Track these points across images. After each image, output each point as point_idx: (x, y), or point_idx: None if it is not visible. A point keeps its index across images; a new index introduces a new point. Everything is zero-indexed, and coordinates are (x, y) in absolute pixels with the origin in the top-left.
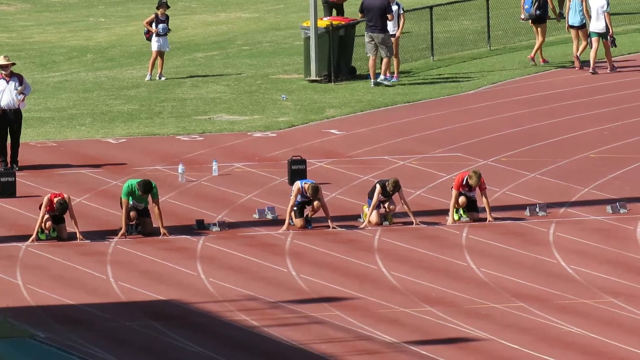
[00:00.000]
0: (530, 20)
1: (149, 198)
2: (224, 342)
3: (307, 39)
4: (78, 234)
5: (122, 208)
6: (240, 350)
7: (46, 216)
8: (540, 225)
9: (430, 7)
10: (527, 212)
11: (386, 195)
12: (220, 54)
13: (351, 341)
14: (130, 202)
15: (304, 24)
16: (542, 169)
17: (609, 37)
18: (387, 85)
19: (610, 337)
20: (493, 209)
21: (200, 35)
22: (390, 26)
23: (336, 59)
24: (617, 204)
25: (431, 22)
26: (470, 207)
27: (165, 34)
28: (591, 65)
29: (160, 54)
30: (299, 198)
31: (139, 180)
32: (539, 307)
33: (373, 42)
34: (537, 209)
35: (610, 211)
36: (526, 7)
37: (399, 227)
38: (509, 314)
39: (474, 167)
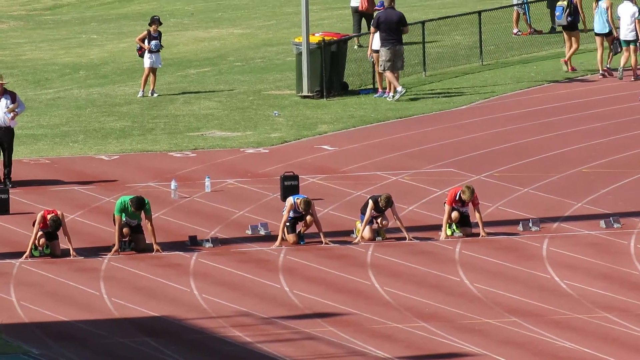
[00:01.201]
0: (561, 28)
1: (142, 215)
2: (218, 358)
3: (299, 54)
4: (71, 251)
5: (115, 225)
6: None
7: (39, 233)
8: (533, 240)
9: (423, 22)
10: (520, 227)
11: (379, 210)
12: (212, 70)
13: (344, 357)
14: (123, 219)
15: (296, 40)
16: (535, 184)
17: (638, 44)
18: (399, 98)
19: (604, 352)
20: (486, 224)
21: (192, 52)
22: (377, 42)
23: (328, 74)
24: (611, 218)
25: (423, 38)
26: (463, 223)
27: (158, 51)
28: (620, 72)
29: (153, 70)
30: (291, 214)
31: (131, 197)
32: (533, 322)
33: (391, 56)
34: (530, 224)
35: (604, 226)
36: (557, 14)
37: (391, 242)
38: (503, 329)
39: (466, 182)
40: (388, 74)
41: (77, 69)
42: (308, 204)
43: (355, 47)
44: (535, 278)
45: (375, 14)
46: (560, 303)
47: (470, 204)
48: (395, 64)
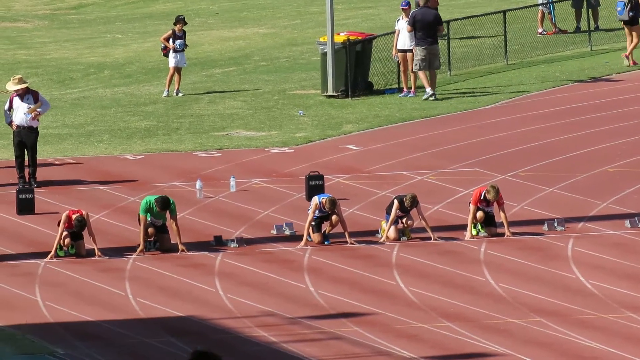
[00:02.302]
0: (622, 23)
1: (167, 214)
2: (243, 358)
3: (324, 54)
4: (96, 251)
5: (140, 225)
6: None
7: (64, 233)
8: (558, 240)
9: (448, 22)
10: (545, 227)
11: (404, 210)
12: (237, 69)
13: (369, 357)
14: (148, 219)
15: (321, 39)
16: (560, 184)
17: None
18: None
19: (629, 352)
20: (511, 223)
21: (217, 51)
22: (408, 40)
23: (353, 74)
24: (636, 218)
25: (448, 37)
26: (488, 222)
27: (183, 50)
28: None
29: (178, 69)
30: (317, 213)
31: (156, 196)
32: (558, 322)
33: (427, 55)
34: (556, 224)
35: (629, 225)
36: (618, 9)
37: (417, 242)
38: (528, 329)
39: (491, 182)
40: (421, 74)
41: (102, 68)
42: (333, 203)
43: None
44: (560, 278)
45: (410, 13)
46: (585, 303)
47: (495, 204)
48: (432, 63)
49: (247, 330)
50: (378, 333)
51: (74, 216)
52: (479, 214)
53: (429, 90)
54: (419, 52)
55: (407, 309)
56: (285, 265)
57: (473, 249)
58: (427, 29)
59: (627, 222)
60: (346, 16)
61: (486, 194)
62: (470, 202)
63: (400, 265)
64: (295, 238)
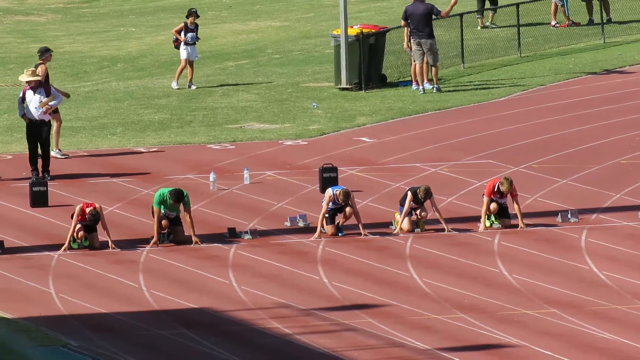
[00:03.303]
0: None
1: (181, 207)
2: (257, 350)
3: (338, 47)
4: (110, 243)
5: (153, 217)
6: (274, 357)
7: (78, 226)
8: (572, 232)
9: (461, 15)
10: (558, 219)
11: (417, 202)
12: (250, 62)
13: (383, 348)
14: (162, 211)
15: (334, 32)
16: (574, 175)
17: None
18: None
19: None
20: (525, 215)
21: (230, 44)
22: None
23: (367, 66)
24: None
25: (461, 30)
26: (502, 214)
27: (194, 43)
28: None
29: (190, 62)
30: (331, 205)
31: (170, 189)
32: (572, 313)
33: (421, 49)
34: (569, 215)
35: None
36: None
37: (430, 234)
38: (541, 320)
39: (505, 173)
40: (417, 68)
41: (115, 61)
42: (347, 195)
43: (479, 27)
44: (574, 269)
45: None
46: (598, 294)
47: (508, 196)
48: (428, 57)
49: (261, 322)
50: (392, 324)
51: (87, 209)
52: (493, 205)
53: (422, 86)
54: (412, 47)
55: (421, 301)
56: (299, 257)
57: (487, 240)
58: (419, 22)
59: None
60: (359, 9)
61: (500, 186)
62: (483, 194)
63: (414, 256)
64: (309, 230)
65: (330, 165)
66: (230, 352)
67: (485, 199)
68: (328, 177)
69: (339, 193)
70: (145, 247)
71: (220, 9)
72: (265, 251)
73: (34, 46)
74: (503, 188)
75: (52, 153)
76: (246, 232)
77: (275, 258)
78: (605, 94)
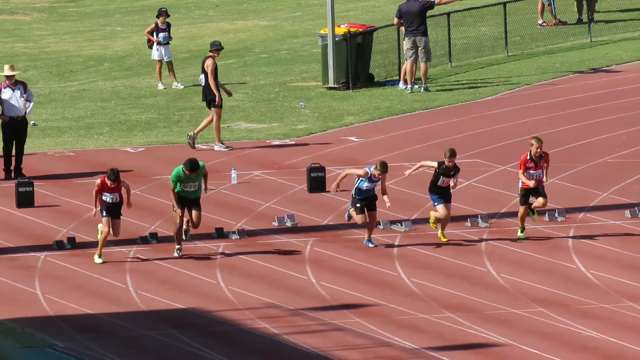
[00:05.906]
0: None
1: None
2: (245, 350)
3: (325, 46)
4: (129, 199)
5: (172, 196)
6: (262, 357)
7: (104, 218)
8: (559, 231)
9: (448, 14)
10: (546, 218)
11: (445, 173)
12: (238, 62)
13: (371, 348)
14: (178, 189)
15: (322, 31)
16: (561, 174)
17: None
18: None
19: (630, 342)
20: (510, 215)
21: None
22: None
23: (354, 66)
24: (636, 208)
25: (449, 29)
26: (537, 193)
27: (167, 43)
28: None
29: (168, 62)
30: (363, 184)
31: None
32: (559, 312)
33: (414, 48)
34: (556, 214)
35: (629, 215)
36: None
37: (418, 233)
38: (529, 319)
39: (493, 172)
40: (407, 66)
41: (102, 61)
42: (385, 165)
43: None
44: (561, 268)
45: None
46: (586, 293)
47: (541, 165)
48: (420, 55)
49: (248, 322)
50: (380, 324)
51: (109, 171)
52: (532, 183)
53: (410, 86)
54: (405, 44)
55: (409, 300)
56: (287, 257)
57: (474, 240)
58: (413, 20)
59: (627, 212)
60: (347, 8)
61: (531, 149)
62: (519, 166)
63: (402, 256)
64: (297, 230)
65: (318, 165)
66: (218, 352)
67: (520, 173)
68: (316, 177)
69: (377, 164)
70: (132, 248)
71: (207, 8)
72: (253, 251)
73: (20, 45)
74: (536, 144)
75: (216, 147)
76: (234, 232)
77: (263, 258)
78: (592, 93)
